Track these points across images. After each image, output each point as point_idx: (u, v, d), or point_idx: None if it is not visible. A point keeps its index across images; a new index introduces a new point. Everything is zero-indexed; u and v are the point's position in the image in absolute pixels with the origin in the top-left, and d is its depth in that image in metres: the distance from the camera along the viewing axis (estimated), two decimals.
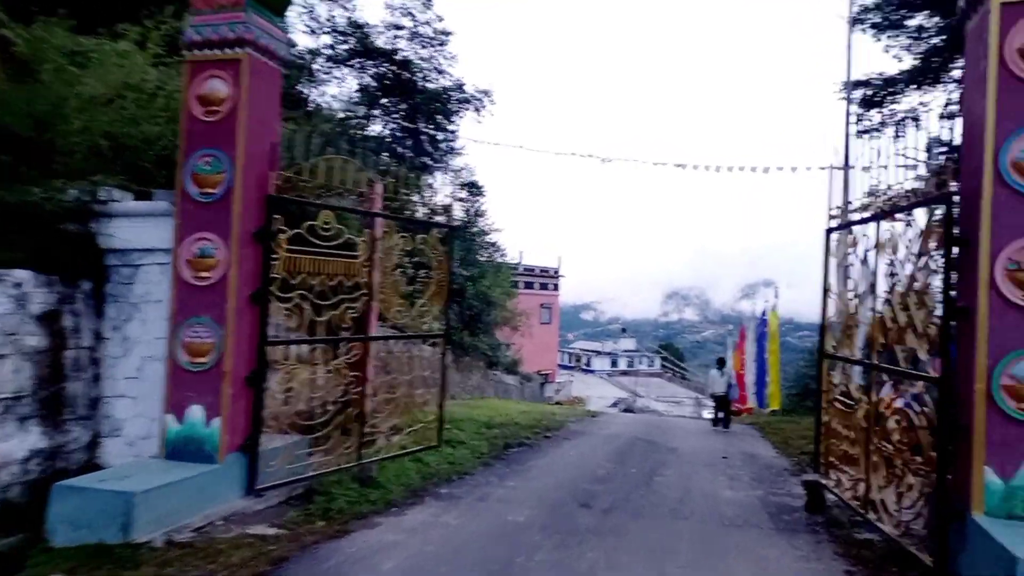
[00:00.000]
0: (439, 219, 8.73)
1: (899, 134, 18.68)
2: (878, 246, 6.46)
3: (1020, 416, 4.76)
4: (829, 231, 7.83)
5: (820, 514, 7.18)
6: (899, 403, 6.06)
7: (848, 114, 17.47)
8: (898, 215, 6.14)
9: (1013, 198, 4.86)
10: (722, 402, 17.46)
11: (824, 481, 7.36)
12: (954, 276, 5.30)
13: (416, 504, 7.12)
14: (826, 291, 7.74)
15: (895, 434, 5.87)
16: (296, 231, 6.63)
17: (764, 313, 29.27)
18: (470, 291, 29.32)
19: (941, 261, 5.43)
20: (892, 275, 6.16)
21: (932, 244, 5.56)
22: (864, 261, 6.93)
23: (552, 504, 7.30)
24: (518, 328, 36.66)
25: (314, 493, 7.04)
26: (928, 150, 6.85)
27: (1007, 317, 4.83)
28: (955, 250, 5.26)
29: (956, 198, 5.35)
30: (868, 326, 6.59)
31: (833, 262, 7.64)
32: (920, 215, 5.97)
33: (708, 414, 25.14)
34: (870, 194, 6.78)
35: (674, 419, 27.37)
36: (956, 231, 5.21)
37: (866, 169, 7.35)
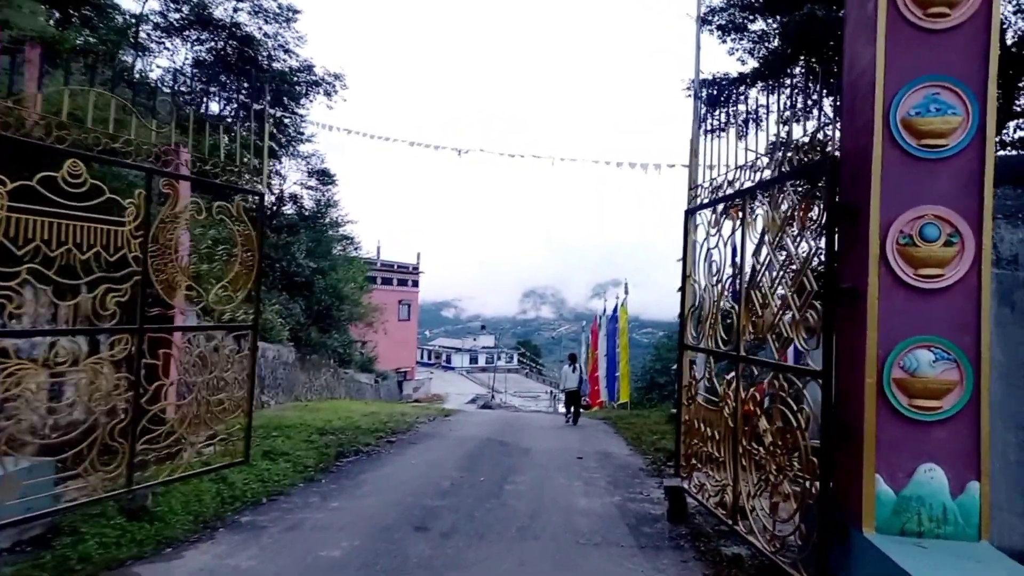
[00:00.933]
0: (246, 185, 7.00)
1: (741, 134, 19.14)
2: (744, 224, 5.71)
3: (914, 415, 4.03)
4: (689, 211, 7.08)
5: (683, 524, 6.37)
6: (767, 400, 5.32)
7: (696, 111, 17.47)
8: (768, 189, 5.37)
9: (906, 161, 4.14)
10: (573, 397, 17.06)
11: (687, 486, 6.56)
12: (839, 253, 4.55)
13: (202, 540, 5.49)
14: (685, 277, 6.98)
15: (768, 435, 5.10)
16: (22, 183, 4.77)
17: (615, 309, 29.52)
18: (320, 284, 27.07)
19: (822, 238, 4.68)
20: (763, 255, 5.40)
21: (812, 216, 4.81)
22: (729, 242, 6.21)
23: (381, 529, 5.93)
24: (373, 324, 34.68)
25: (60, 533, 5.23)
26: (773, 150, 6.26)
27: (898, 298, 4.10)
28: (837, 226, 4.51)
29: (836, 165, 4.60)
30: (735, 313, 5.82)
31: (696, 245, 6.88)
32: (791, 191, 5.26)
33: (562, 408, 24.81)
34: (737, 168, 6.02)
35: (530, 415, 26.82)
36: (839, 199, 4.45)
37: (712, 167, 6.85)
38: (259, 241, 7.10)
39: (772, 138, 5.89)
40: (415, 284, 56.56)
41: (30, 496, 5.14)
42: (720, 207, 6.36)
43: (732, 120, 7.50)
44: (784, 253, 5.09)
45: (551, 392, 54.11)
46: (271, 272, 25.07)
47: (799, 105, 5.83)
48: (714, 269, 6.43)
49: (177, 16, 25.94)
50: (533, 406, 48.54)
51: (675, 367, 20.80)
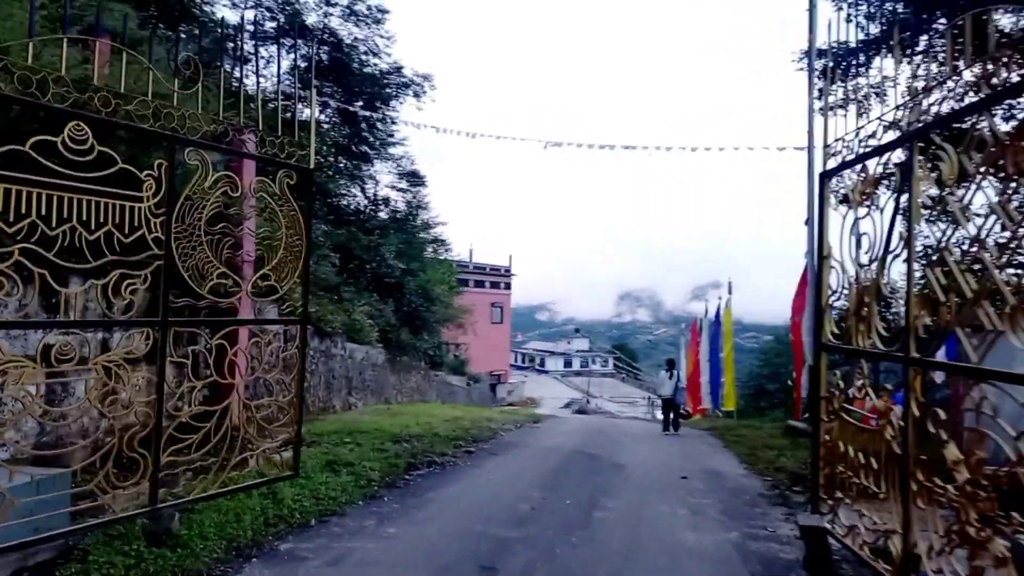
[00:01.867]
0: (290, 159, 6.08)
1: (863, 111, 16.88)
2: (912, 180, 4.20)
3: None
4: (827, 174, 5.56)
5: (825, 574, 4.88)
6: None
7: (811, 86, 15.41)
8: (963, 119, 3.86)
9: None
10: (670, 405, 15.71)
11: (830, 526, 5.06)
12: None
13: (228, 573, 4.58)
14: (823, 256, 5.46)
15: (962, 469, 3.59)
16: (12, 147, 4.00)
17: (718, 311, 27.40)
18: (410, 286, 26.67)
19: None
20: (949, 221, 3.89)
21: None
22: (887, 208, 4.69)
23: (438, 569, 4.81)
24: (464, 326, 34.10)
25: (71, 559, 4.46)
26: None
27: None
28: None
29: None
30: (901, 301, 4.31)
31: (836, 217, 5.36)
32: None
33: (660, 414, 23.15)
34: (907, 103, 4.50)
35: (625, 421, 25.23)
36: None
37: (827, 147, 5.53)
38: (307, 223, 6.18)
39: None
40: (507, 286, 55.94)
41: (40, 515, 4.39)
42: (875, 163, 4.85)
43: (850, 96, 5.98)
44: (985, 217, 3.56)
45: (648, 398, 51.91)
46: (361, 273, 24.88)
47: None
48: (866, 245, 4.90)
49: (272, 25, 26.32)
50: (629, 412, 46.57)
51: (794, 373, 18.73)
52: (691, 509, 6.78)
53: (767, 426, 16.18)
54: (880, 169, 4.85)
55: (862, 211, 4.93)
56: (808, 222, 13.99)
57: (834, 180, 5.49)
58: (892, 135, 4.68)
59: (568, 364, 75.04)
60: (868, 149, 4.89)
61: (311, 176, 6.41)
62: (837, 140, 5.39)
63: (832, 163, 5.43)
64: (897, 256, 4.39)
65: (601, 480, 8.03)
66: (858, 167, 5.07)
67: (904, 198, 4.45)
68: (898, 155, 4.98)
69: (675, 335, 69.87)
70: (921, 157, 4.26)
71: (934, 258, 3.93)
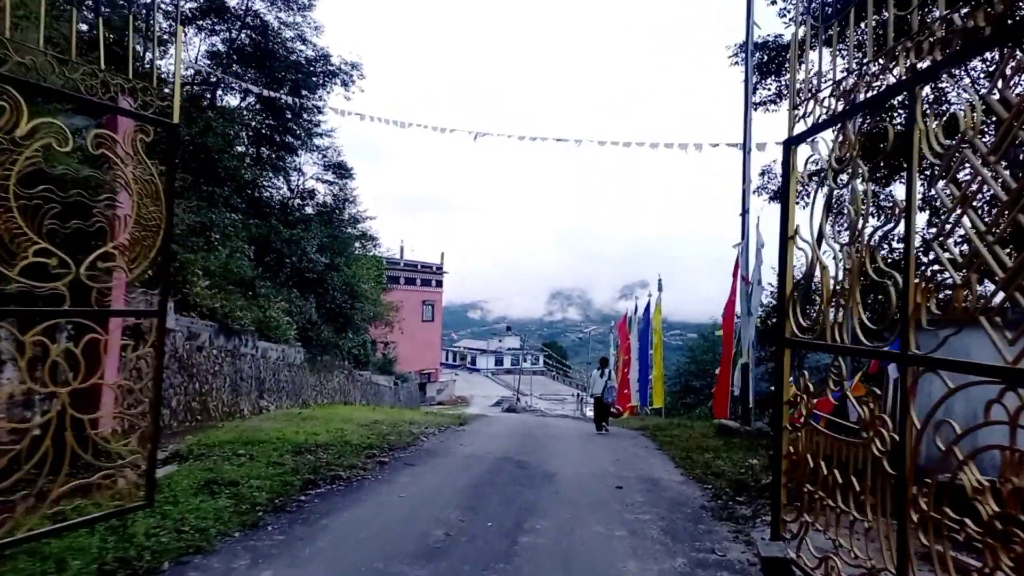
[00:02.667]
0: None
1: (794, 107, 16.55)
2: (910, 133, 3.36)
3: None
4: (791, 142, 4.72)
5: None
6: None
7: (748, 80, 14.94)
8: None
9: None
10: (601, 404, 15.36)
11: (796, 557, 4.20)
12: None
13: None
14: (788, 236, 4.62)
15: (987, 500, 2.75)
16: None
17: (647, 308, 27.02)
18: (334, 281, 25.06)
19: None
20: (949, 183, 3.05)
21: None
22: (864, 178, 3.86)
23: None
24: (391, 324, 32.65)
25: None
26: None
27: None
28: None
29: None
30: (895, 287, 3.47)
31: (813, 194, 4.51)
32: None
33: (590, 412, 22.49)
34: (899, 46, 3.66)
35: (555, 420, 24.45)
36: None
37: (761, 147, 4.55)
38: (168, 192, 4.89)
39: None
40: (439, 284, 54.58)
41: None
42: (850, 126, 4.01)
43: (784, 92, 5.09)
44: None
45: (578, 395, 51.65)
46: (280, 268, 23.15)
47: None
48: (847, 220, 4.05)
49: (191, 5, 24.29)
50: (559, 409, 46.11)
51: (718, 370, 18.33)
52: (629, 529, 5.84)
53: (698, 424, 15.65)
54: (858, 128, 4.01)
55: (843, 179, 4.09)
56: (743, 213, 13.45)
57: (807, 145, 4.64)
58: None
59: (499, 362, 74.23)
60: (847, 107, 4.04)
61: (176, 134, 5.11)
62: (807, 99, 4.54)
63: (800, 127, 4.58)
64: (891, 230, 3.54)
65: (529, 495, 7.01)
66: (832, 130, 4.22)
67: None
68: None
69: (604, 333, 70.15)
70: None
71: (948, 227, 3.07)
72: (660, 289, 25.03)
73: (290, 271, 23.33)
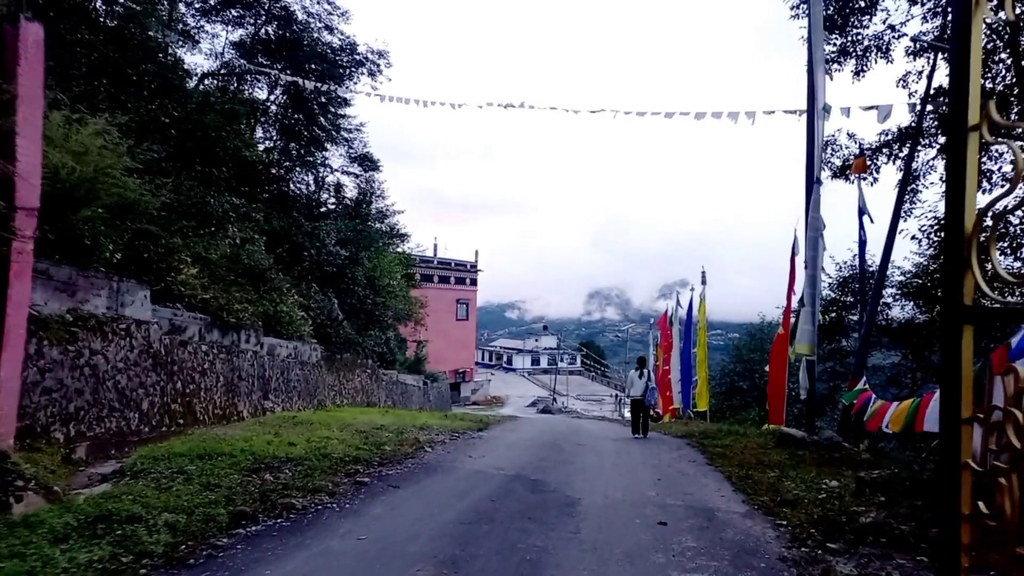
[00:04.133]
0: None
1: (861, 68, 14.13)
2: None
3: None
4: None
5: None
6: None
7: (814, 36, 12.67)
8: None
9: None
10: (639, 406, 13.46)
11: None
12: None
13: None
14: (965, 125, 2.58)
15: None
16: None
17: (690, 305, 24.74)
18: (357, 276, 23.47)
19: None
20: None
21: None
22: None
23: None
24: (420, 322, 30.97)
25: None
26: None
27: None
28: None
29: None
30: None
31: None
32: None
33: (628, 414, 20.43)
34: None
35: (590, 423, 22.38)
36: None
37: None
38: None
39: None
40: (473, 283, 52.94)
41: None
42: None
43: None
44: None
45: (616, 395, 49.35)
46: (297, 261, 21.68)
47: None
48: None
49: None
50: (597, 410, 43.96)
51: (768, 369, 16.01)
52: None
53: (752, 432, 13.42)
54: None
55: None
56: (812, 185, 11.20)
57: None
58: None
59: (536, 362, 72.21)
60: None
61: None
62: None
63: None
64: None
65: (538, 538, 5.05)
66: None
67: None
68: None
69: (643, 332, 67.55)
70: None
71: None
72: (704, 283, 22.79)
73: (308, 264, 21.83)
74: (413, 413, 15.30)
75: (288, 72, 24.05)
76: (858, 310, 20.05)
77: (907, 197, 12.56)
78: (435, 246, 50.31)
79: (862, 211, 12.25)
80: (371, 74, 26.56)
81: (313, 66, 24.89)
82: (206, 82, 25.84)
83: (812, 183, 11.00)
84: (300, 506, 5.53)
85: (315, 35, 25.12)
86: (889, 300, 17.83)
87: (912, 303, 19.17)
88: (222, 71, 25.97)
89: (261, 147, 26.79)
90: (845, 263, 19.32)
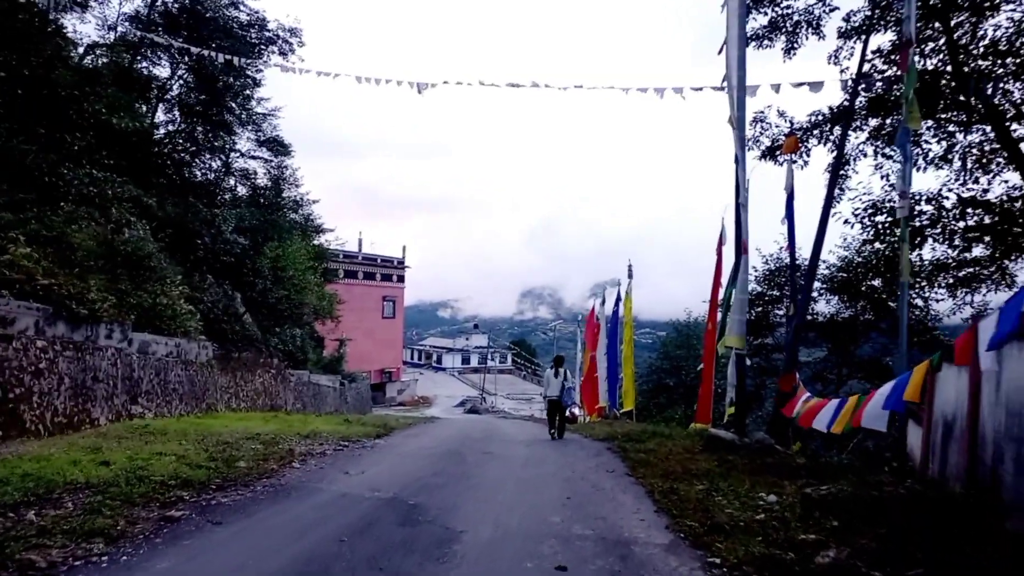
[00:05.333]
0: None
1: (792, 45, 13.18)
2: None
3: None
4: None
5: None
6: None
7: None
8: None
9: None
10: (556, 407, 12.50)
11: None
12: None
13: None
14: None
15: None
16: None
17: (617, 302, 23.72)
18: (257, 266, 21.24)
19: None
20: None
21: None
22: None
23: None
24: (336, 319, 28.88)
25: None
26: None
27: None
28: None
29: None
30: None
31: None
32: None
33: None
34: None
35: (513, 424, 21.00)
36: None
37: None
38: None
39: None
40: (401, 279, 50.83)
41: None
42: None
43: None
44: None
45: (544, 394, 48.32)
46: (191, 250, 19.36)
47: None
48: None
49: None
50: (526, 409, 42.70)
51: (702, 366, 14.98)
52: None
53: (678, 432, 12.28)
54: None
55: None
56: (737, 163, 10.08)
57: None
58: None
59: (466, 361, 70.50)
60: None
61: None
62: None
63: None
64: None
65: None
66: None
67: None
68: None
69: (574, 332, 67.09)
70: None
71: None
72: (630, 276, 21.75)
73: (203, 254, 19.53)
74: (306, 418, 13.46)
75: (189, 46, 21.60)
76: (784, 304, 19.46)
77: (838, 181, 11.74)
78: (359, 241, 48.01)
79: (791, 194, 11.28)
80: (282, 53, 24.46)
81: (219, 43, 22.51)
82: (96, 53, 23.09)
83: (738, 161, 9.88)
84: (46, 563, 3.78)
85: (220, 9, 22.84)
86: (815, 294, 17.22)
87: (837, 297, 18.68)
88: (117, 43, 23.28)
89: (162, 130, 24.25)
90: (772, 255, 18.66)
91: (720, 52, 10.12)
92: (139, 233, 15.87)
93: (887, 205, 11.05)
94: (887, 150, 11.68)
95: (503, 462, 8.59)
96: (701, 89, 12.75)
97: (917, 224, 10.98)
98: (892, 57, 11.06)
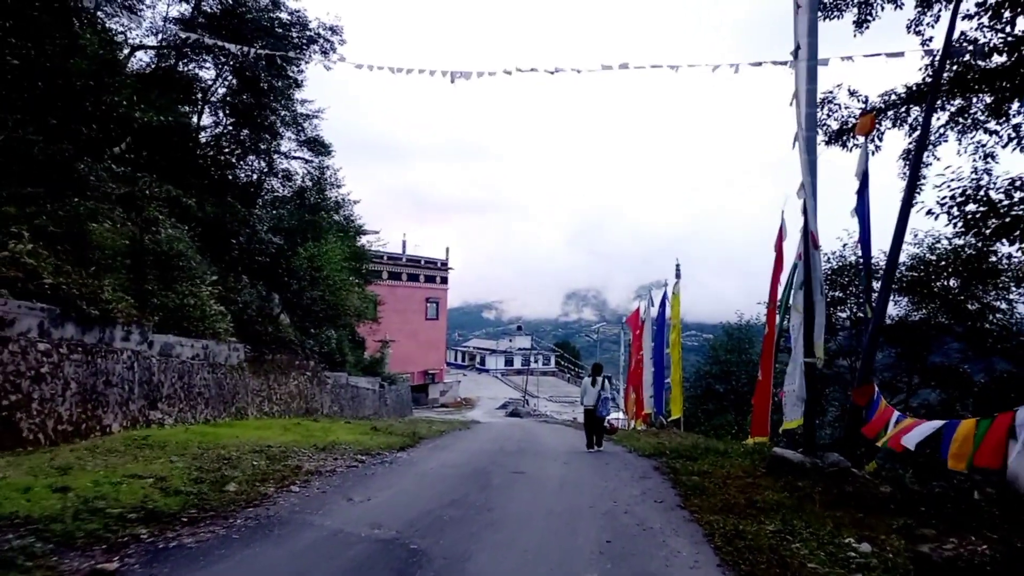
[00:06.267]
0: None
1: (865, 17, 11.60)
2: None
3: None
4: None
5: None
6: None
7: None
8: None
9: None
10: (593, 417, 11.70)
11: None
12: None
13: None
14: None
15: None
16: None
17: (664, 301, 22.19)
18: (298, 266, 20.51)
19: None
20: None
21: None
22: None
23: None
24: (376, 320, 28.11)
25: None
26: None
27: None
28: None
29: None
30: None
31: None
32: None
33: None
34: None
35: (552, 430, 19.75)
36: None
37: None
38: None
39: None
40: (444, 281, 50.10)
41: None
42: None
43: None
44: None
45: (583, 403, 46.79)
46: (226, 250, 18.80)
47: None
48: None
49: None
50: (569, 412, 41.35)
51: (759, 373, 13.42)
52: None
53: (734, 449, 10.82)
54: None
55: None
56: (804, 137, 8.61)
57: None
58: None
59: (510, 362, 69.39)
60: None
61: None
62: None
63: None
64: None
65: None
66: None
67: None
68: None
69: (618, 333, 65.17)
70: None
71: None
72: (678, 276, 20.24)
73: (238, 254, 18.94)
74: (331, 426, 12.51)
75: (227, 44, 21.15)
76: (848, 306, 17.65)
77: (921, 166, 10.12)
78: (403, 243, 47.45)
79: (865, 181, 9.73)
80: (324, 52, 23.83)
81: (261, 43, 21.98)
82: (137, 56, 22.92)
83: (810, 137, 8.41)
84: None
85: (261, 10, 22.35)
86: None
87: (906, 298, 16.81)
88: (162, 47, 23.09)
89: (207, 133, 23.99)
90: (833, 253, 16.88)
91: (797, 11, 8.67)
92: (167, 231, 15.26)
93: (982, 195, 9.42)
94: (992, 124, 10.03)
95: (534, 486, 7.37)
96: (760, 64, 11.28)
97: (1015, 214, 9.32)
98: (990, 23, 9.43)
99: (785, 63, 10.19)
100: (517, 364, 67.81)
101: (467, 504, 6.16)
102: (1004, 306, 15.94)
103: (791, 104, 9.75)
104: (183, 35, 21.64)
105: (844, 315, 17.36)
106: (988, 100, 10.76)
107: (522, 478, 7.81)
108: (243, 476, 6.61)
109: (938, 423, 5.27)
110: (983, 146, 10.31)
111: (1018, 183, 9.37)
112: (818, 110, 10.47)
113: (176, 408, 12.79)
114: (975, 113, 11.33)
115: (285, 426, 11.43)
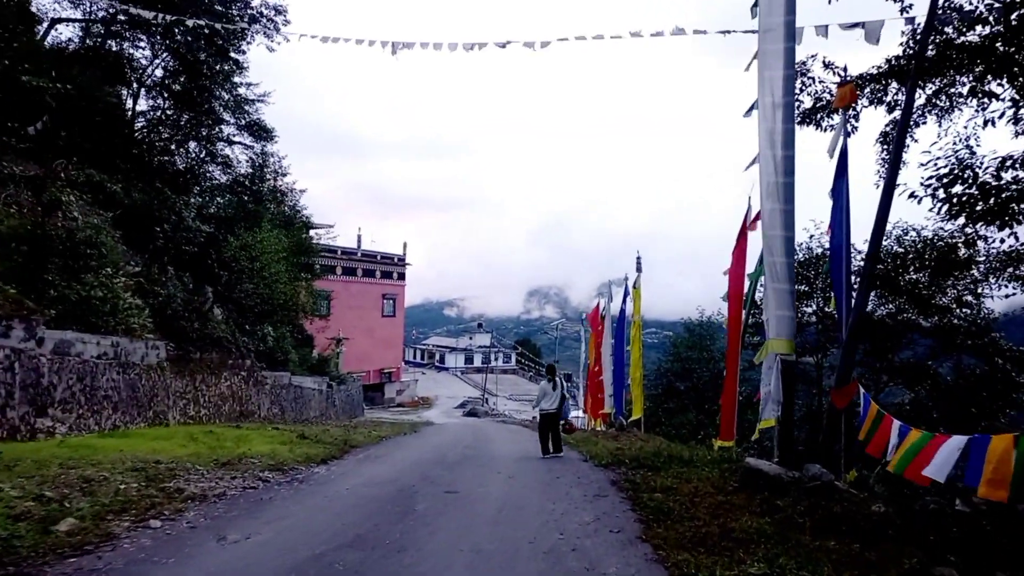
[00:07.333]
0: None
1: None
2: None
3: None
4: None
5: None
6: None
7: None
8: None
9: None
10: (552, 421, 10.47)
11: None
12: None
13: None
14: None
15: None
16: None
17: (625, 295, 21.10)
18: (228, 258, 18.77)
19: None
20: None
21: None
22: None
23: None
24: (324, 317, 26.37)
25: None
26: None
27: None
28: None
29: None
30: None
31: None
32: None
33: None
34: None
35: (507, 432, 18.46)
36: None
37: None
38: None
39: None
40: (401, 277, 48.35)
41: None
42: None
43: None
44: None
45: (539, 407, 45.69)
46: (150, 239, 16.96)
47: None
48: None
49: None
50: (528, 413, 40.20)
51: (725, 368, 12.34)
52: None
53: (700, 457, 9.62)
54: None
55: None
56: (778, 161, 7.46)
57: None
58: None
59: (470, 360, 67.90)
60: None
61: None
62: None
63: None
64: None
65: None
66: None
67: None
68: None
69: (579, 330, 64.40)
70: None
71: None
72: (639, 270, 19.13)
73: (163, 243, 17.12)
74: (245, 435, 10.93)
75: (166, 19, 19.21)
76: (815, 299, 16.83)
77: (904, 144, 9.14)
78: (359, 237, 45.57)
79: (844, 159, 8.67)
80: (267, 33, 22.12)
81: (198, 20, 20.07)
82: (58, 29, 20.86)
83: (787, 104, 7.27)
84: None
85: None
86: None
87: (873, 293, 16.02)
88: (88, 19, 21.07)
89: (144, 118, 22.15)
90: (800, 245, 16.02)
91: None
92: (80, 217, 13.49)
93: (967, 174, 8.47)
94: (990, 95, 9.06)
95: (466, 513, 6.03)
96: (728, 32, 10.17)
97: (1005, 196, 8.40)
98: None
99: (755, 32, 9.05)
100: (477, 362, 66.38)
101: (374, 542, 4.78)
102: (972, 300, 15.31)
103: (746, 70, 8.65)
104: (108, 8, 19.68)
105: (810, 310, 16.55)
106: (969, 78, 9.84)
107: (454, 501, 6.46)
108: (93, 507, 5.12)
109: (962, 439, 4.14)
110: (978, 114, 9.34)
111: (1008, 162, 8.42)
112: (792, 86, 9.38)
113: (73, 414, 11.06)
114: (955, 93, 10.43)
115: (192, 435, 9.83)
